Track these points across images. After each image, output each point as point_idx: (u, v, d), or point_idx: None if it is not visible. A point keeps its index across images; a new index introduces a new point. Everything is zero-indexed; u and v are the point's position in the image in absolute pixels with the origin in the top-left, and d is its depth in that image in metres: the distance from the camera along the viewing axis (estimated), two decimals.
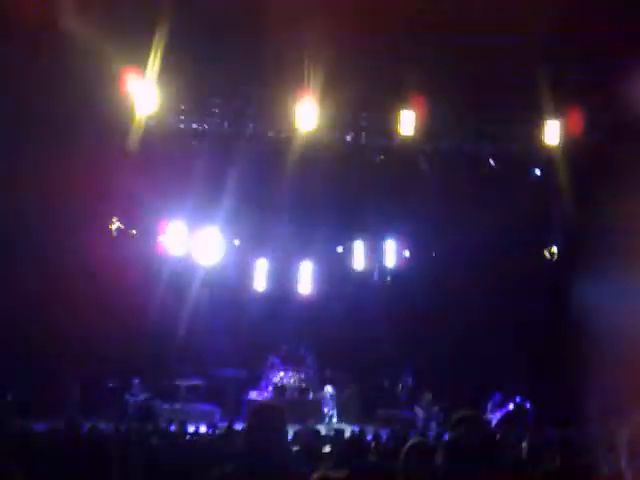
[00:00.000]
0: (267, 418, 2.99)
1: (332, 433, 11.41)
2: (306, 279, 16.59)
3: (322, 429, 11.83)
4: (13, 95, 10.83)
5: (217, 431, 11.37)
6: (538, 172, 14.14)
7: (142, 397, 13.67)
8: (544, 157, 14.02)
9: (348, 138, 13.72)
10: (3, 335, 12.97)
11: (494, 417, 12.76)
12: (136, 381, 13.68)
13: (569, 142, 13.23)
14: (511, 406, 12.90)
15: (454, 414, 2.64)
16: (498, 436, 9.41)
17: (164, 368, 15.12)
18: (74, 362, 13.43)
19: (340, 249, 16.93)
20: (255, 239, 16.49)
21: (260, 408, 3.46)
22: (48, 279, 13.49)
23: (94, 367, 13.58)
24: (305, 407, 14.59)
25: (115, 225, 13.87)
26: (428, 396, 13.84)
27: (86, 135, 11.12)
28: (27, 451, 6.56)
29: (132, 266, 14.09)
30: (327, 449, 7.64)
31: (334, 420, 14.71)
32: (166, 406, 14.59)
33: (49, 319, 13.18)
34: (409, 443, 3.27)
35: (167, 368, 15.21)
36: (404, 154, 13.74)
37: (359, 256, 16.29)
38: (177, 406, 14.73)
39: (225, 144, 13.63)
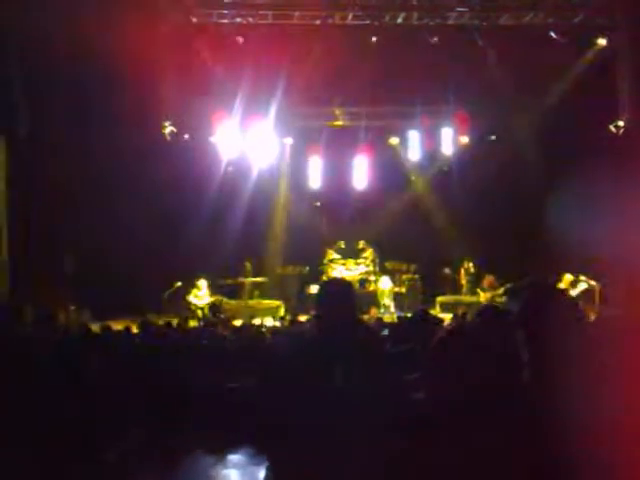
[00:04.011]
0: (336, 291, 2.98)
1: (395, 320, 11.65)
2: (361, 173, 16.38)
3: (384, 318, 12.09)
4: None
5: (283, 323, 11.78)
6: (604, 42, 13.21)
7: (208, 296, 14.09)
8: (609, 26, 13.09)
9: (399, 20, 13.04)
10: (74, 244, 13.53)
11: None
12: (202, 281, 14.04)
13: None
14: (584, 286, 12.74)
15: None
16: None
17: (227, 267, 15.50)
18: (140, 266, 13.87)
19: (395, 140, 16.58)
20: (308, 136, 16.31)
21: (329, 283, 3.48)
22: (107, 189, 13.80)
23: (158, 270, 13.97)
24: (365, 299, 14.85)
25: (168, 129, 13.80)
26: (490, 278, 13.78)
27: (132, 33, 10.88)
28: (107, 348, 6.95)
29: (188, 169, 14.20)
30: (385, 332, 7.79)
31: (392, 310, 14.95)
32: (232, 303, 15.13)
33: (112, 224, 13.59)
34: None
35: (230, 267, 15.59)
36: (459, 33, 13.02)
37: (414, 146, 15.88)
38: (242, 302, 15.27)
39: (271, 37, 13.17)
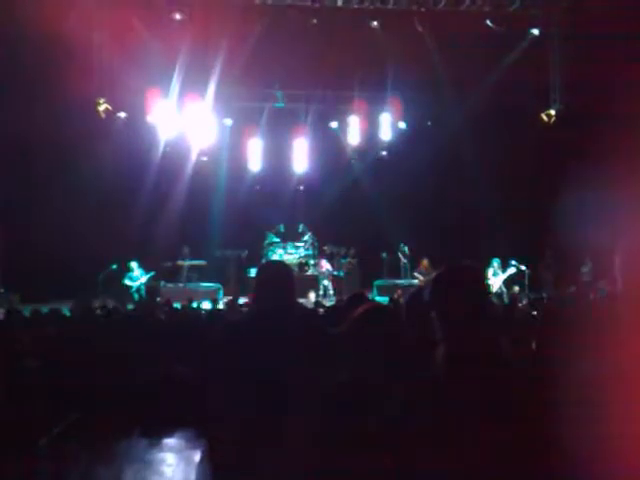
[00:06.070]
0: (275, 273, 2.95)
1: (333, 303, 11.73)
2: (301, 156, 16.33)
3: (323, 302, 12.16)
4: None
5: (221, 306, 11.69)
6: (536, 32, 13.58)
7: (144, 278, 13.85)
8: (543, 17, 13.47)
9: (339, 3, 13.02)
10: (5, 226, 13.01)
11: (496, 281, 13.09)
12: (134, 263, 13.75)
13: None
14: (512, 270, 13.17)
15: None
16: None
17: (164, 250, 15.23)
18: (74, 249, 13.48)
19: (335, 124, 16.60)
20: (247, 118, 16.12)
21: (267, 265, 3.44)
22: (38, 169, 13.30)
23: (93, 253, 13.61)
24: (304, 283, 14.89)
25: (102, 106, 13.36)
26: (425, 262, 14.11)
27: (66, 6, 10.46)
28: (40, 333, 6.75)
29: (125, 148, 13.82)
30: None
31: (331, 293, 15.09)
32: (170, 286, 14.91)
33: (46, 206, 13.14)
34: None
35: (167, 250, 15.32)
36: (398, 18, 13.10)
37: (354, 131, 15.95)
38: (180, 285, 15.06)
39: (210, 15, 12.90)
